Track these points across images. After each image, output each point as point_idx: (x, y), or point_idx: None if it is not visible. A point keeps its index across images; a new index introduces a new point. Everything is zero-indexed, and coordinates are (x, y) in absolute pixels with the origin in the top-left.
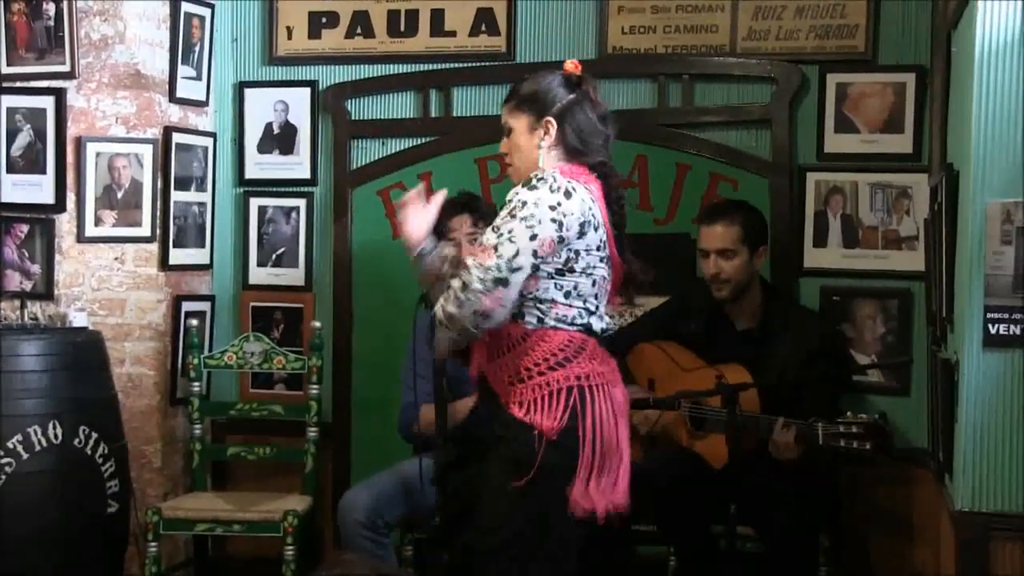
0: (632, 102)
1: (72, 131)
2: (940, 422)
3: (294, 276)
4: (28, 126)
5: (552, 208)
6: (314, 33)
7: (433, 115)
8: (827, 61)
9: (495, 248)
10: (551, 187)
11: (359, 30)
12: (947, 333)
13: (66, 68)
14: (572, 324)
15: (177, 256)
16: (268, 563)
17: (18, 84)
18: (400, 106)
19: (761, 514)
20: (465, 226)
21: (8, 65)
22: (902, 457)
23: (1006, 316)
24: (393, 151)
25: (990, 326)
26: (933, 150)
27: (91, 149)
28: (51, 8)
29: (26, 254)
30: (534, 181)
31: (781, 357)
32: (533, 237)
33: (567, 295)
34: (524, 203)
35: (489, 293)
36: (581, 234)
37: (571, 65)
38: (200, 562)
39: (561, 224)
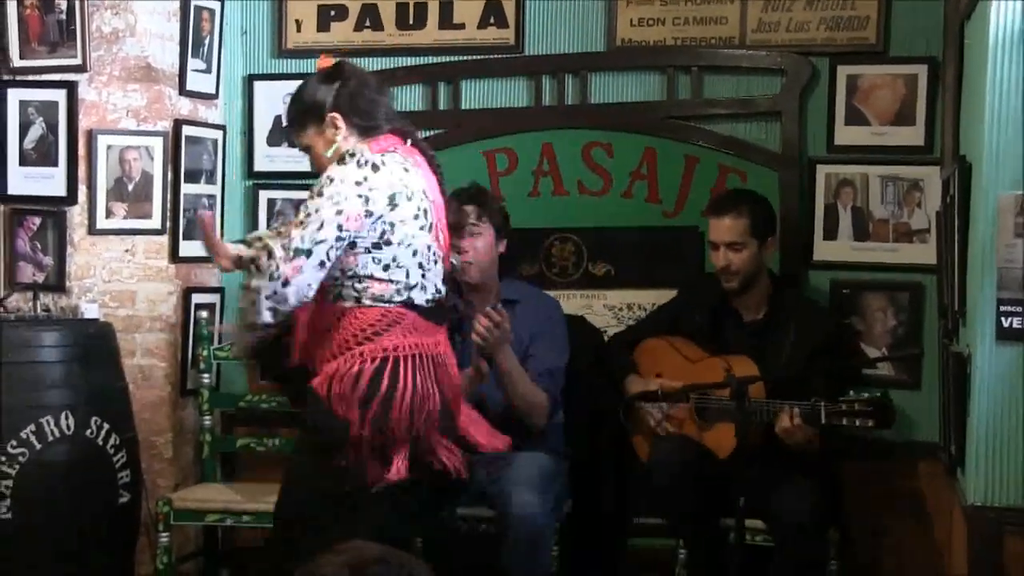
0: (641, 94)
1: (83, 124)
2: (952, 416)
3: None
4: (40, 119)
5: (358, 184)
6: (323, 26)
7: (441, 108)
8: (838, 53)
9: (300, 223)
10: (359, 162)
11: (368, 23)
12: (959, 326)
13: (78, 61)
14: (389, 302)
15: (187, 248)
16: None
17: (30, 77)
18: (409, 99)
19: (770, 507)
20: (470, 217)
21: (21, 58)
22: (913, 451)
23: (1019, 309)
24: None
25: (1003, 319)
26: (945, 143)
27: (102, 142)
28: (63, 2)
29: (38, 246)
30: (345, 157)
31: (787, 349)
32: (339, 212)
33: (386, 268)
34: (331, 180)
35: (289, 261)
36: (392, 206)
37: (321, 62)
38: (210, 552)
39: (367, 199)
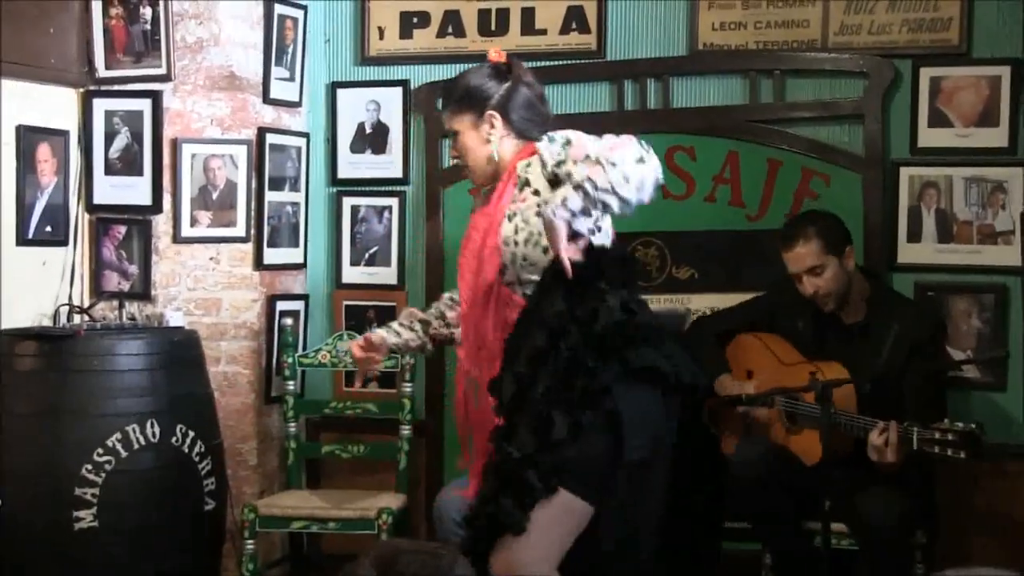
0: (723, 98)
1: (168, 133)
2: None
3: (386, 275)
4: (125, 128)
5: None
6: (405, 33)
7: None
8: (920, 55)
9: (598, 162)
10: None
11: (450, 29)
12: None
13: (162, 71)
14: None
15: (271, 256)
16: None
17: (116, 87)
18: None
19: (855, 511)
20: None
21: (106, 68)
22: (1002, 453)
23: None
24: None
25: None
26: None
27: (187, 151)
28: (148, 12)
29: (124, 255)
30: (545, 141)
31: (888, 347)
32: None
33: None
34: (567, 134)
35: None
36: None
37: (494, 54)
38: (296, 559)
39: None
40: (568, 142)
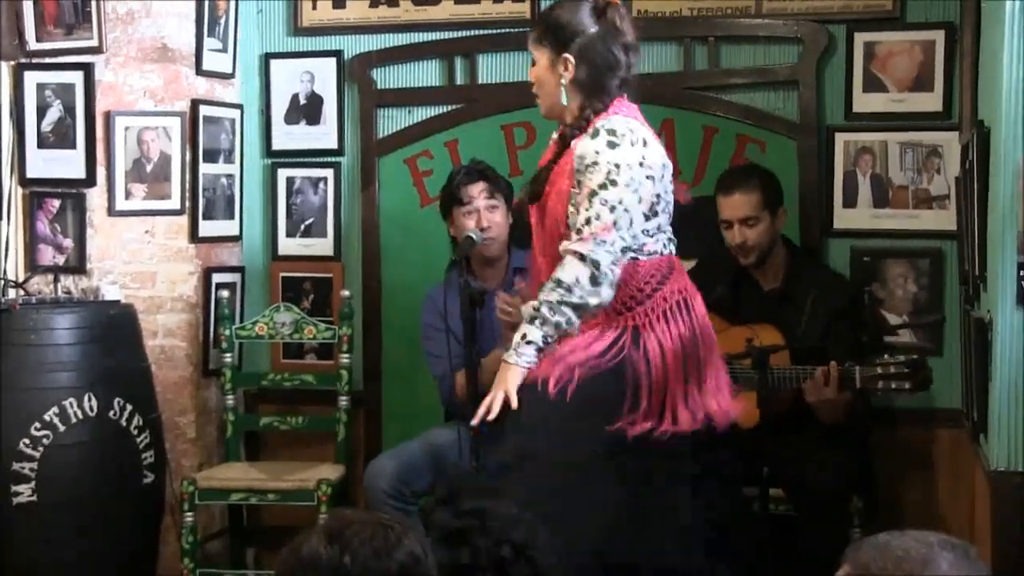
0: (658, 65)
1: (101, 105)
2: (974, 381)
3: (323, 246)
4: (58, 101)
5: (642, 165)
6: (339, 3)
7: (459, 83)
8: (854, 20)
9: (614, 223)
10: (631, 141)
11: None
12: (980, 292)
13: (94, 43)
14: (660, 254)
15: (207, 228)
16: (301, 531)
17: (47, 60)
18: (425, 74)
19: (793, 476)
20: (482, 196)
21: (37, 41)
22: (935, 417)
23: None
24: (419, 119)
25: None
26: (963, 108)
27: (120, 123)
28: None
29: (58, 228)
30: (607, 136)
31: (806, 316)
32: (640, 200)
33: (653, 235)
34: (618, 166)
35: (620, 263)
36: (661, 177)
37: None
38: (235, 531)
39: (654, 179)
40: (592, 166)
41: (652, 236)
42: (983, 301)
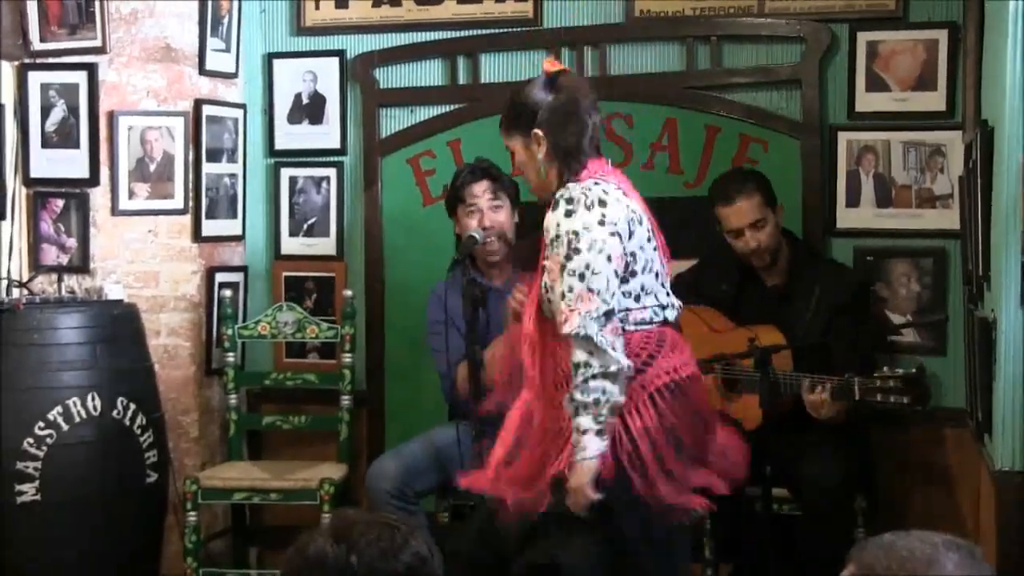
0: (660, 65)
1: (104, 105)
2: (978, 381)
3: (326, 245)
4: (61, 101)
5: (602, 224)
6: (341, 3)
7: (461, 82)
8: (857, 19)
9: (589, 289)
10: (586, 204)
11: None
12: (983, 291)
13: (97, 43)
14: (650, 323)
15: (210, 228)
16: (305, 530)
17: (51, 60)
18: (428, 74)
19: (796, 476)
20: (486, 195)
21: (41, 41)
22: (939, 417)
23: None
24: (422, 119)
25: None
26: (967, 107)
27: (123, 123)
28: None
29: (62, 228)
30: (565, 206)
31: (810, 311)
32: (609, 259)
33: (637, 298)
34: (577, 233)
35: (609, 324)
36: (630, 234)
37: (547, 64)
38: (238, 530)
39: (619, 235)
40: (556, 239)
41: (637, 301)
42: (987, 300)
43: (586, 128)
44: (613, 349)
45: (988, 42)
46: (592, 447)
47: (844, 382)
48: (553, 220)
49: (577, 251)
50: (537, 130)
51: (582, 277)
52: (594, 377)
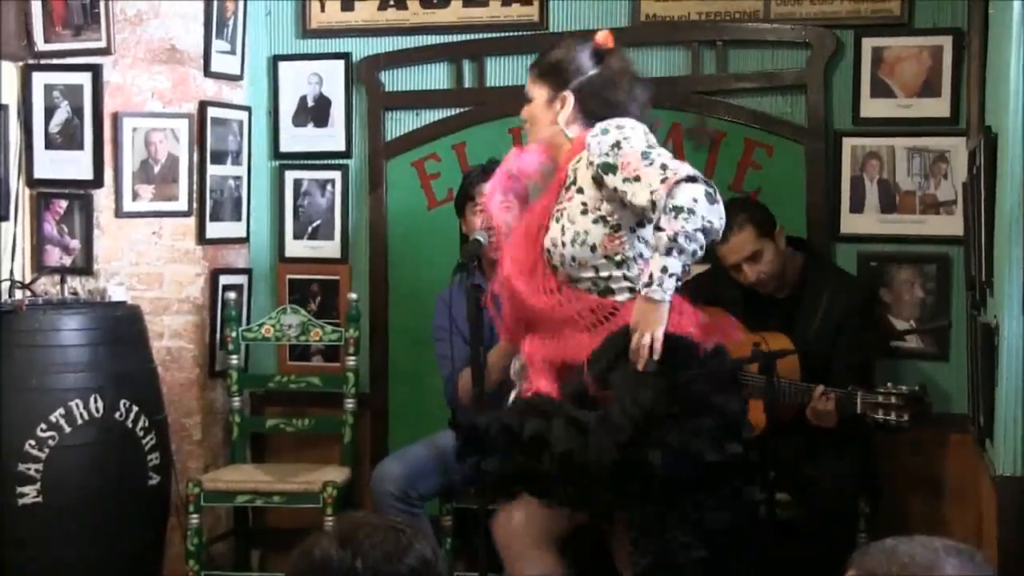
0: (666, 70)
1: (109, 107)
2: (980, 387)
3: (330, 248)
4: (65, 102)
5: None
6: (347, 5)
7: (466, 86)
8: (862, 25)
9: (658, 164)
10: (618, 125)
11: (392, 2)
12: (987, 297)
13: (102, 44)
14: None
15: (214, 230)
16: (308, 533)
17: (55, 61)
18: (433, 77)
19: (799, 480)
20: None
21: (45, 42)
22: (942, 422)
23: None
24: (427, 122)
25: None
26: (971, 113)
27: (127, 124)
28: None
29: (65, 229)
30: (600, 130)
31: (818, 320)
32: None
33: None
34: (620, 127)
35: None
36: None
37: (602, 37)
38: (241, 533)
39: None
40: (618, 145)
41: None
42: (990, 306)
43: (621, 106)
44: (721, 206)
45: (992, 49)
46: (670, 290)
47: (847, 395)
48: (609, 130)
49: (653, 146)
50: (567, 93)
51: (673, 156)
52: (702, 229)
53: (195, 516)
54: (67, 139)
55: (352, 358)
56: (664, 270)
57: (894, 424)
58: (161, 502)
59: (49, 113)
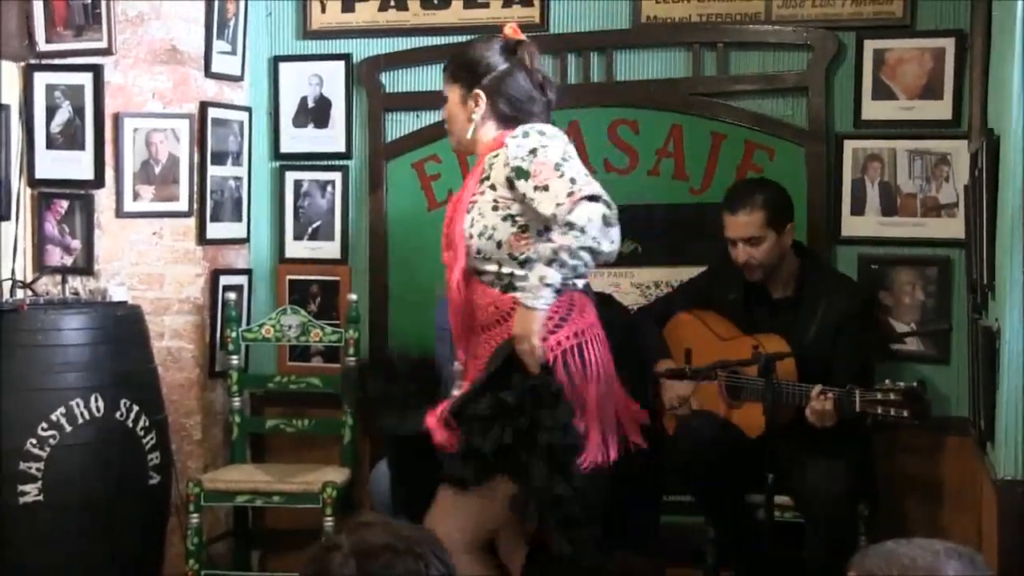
0: (666, 71)
1: (110, 107)
2: (981, 390)
3: (330, 249)
4: (67, 102)
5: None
6: (347, 7)
7: None
8: (864, 27)
9: (552, 180)
10: (539, 131)
11: (392, 3)
12: (988, 300)
13: (103, 44)
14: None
15: (214, 230)
16: (308, 534)
17: (56, 61)
18: (434, 78)
19: (799, 484)
20: None
21: (47, 42)
22: (941, 425)
23: None
24: (427, 123)
25: None
26: (973, 116)
27: (128, 125)
28: None
29: (66, 229)
30: (521, 133)
31: (816, 324)
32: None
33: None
34: (540, 132)
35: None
36: None
37: (510, 30)
38: (240, 533)
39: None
40: (534, 152)
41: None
42: (991, 310)
43: (534, 100)
44: (617, 233)
45: (995, 51)
46: (549, 300)
47: (845, 393)
48: (526, 135)
49: (569, 158)
50: (479, 91)
51: (573, 169)
52: (587, 248)
53: (195, 516)
54: (68, 139)
55: (352, 359)
56: (542, 279)
57: (893, 419)
58: (161, 502)
59: (50, 113)
